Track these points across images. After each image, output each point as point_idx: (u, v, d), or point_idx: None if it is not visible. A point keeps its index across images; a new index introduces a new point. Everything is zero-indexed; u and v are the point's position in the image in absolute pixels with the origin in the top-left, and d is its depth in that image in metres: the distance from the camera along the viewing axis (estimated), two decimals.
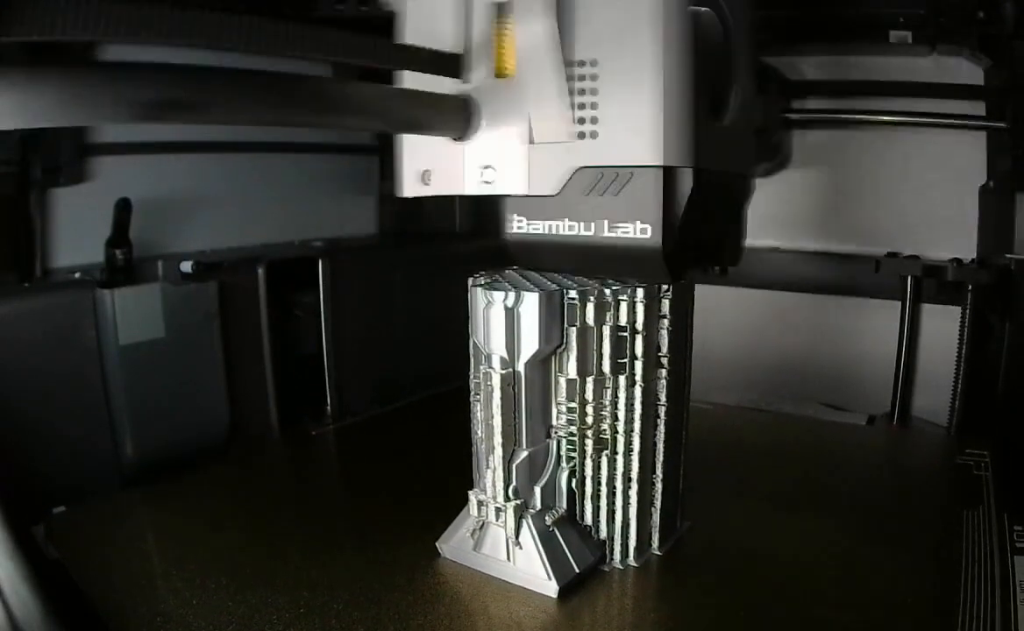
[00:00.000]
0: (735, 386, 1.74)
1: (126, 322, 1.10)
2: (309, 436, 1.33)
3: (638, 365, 0.78)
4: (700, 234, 0.79)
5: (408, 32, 0.81)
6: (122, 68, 0.57)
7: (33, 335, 1.04)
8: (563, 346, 0.77)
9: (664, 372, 0.81)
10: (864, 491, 1.05)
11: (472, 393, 0.83)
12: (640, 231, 0.73)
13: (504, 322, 0.75)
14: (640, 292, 0.77)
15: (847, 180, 1.69)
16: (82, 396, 1.08)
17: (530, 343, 0.75)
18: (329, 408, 1.39)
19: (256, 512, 0.99)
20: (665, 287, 0.79)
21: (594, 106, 0.73)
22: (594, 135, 0.73)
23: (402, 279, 1.52)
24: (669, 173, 0.72)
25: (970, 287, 1.50)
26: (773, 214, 1.78)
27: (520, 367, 0.76)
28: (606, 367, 0.78)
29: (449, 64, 0.77)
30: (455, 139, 0.78)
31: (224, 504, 1.02)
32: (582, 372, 0.78)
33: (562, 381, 0.78)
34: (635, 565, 0.83)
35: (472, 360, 0.82)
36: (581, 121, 0.73)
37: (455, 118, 0.76)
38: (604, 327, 0.77)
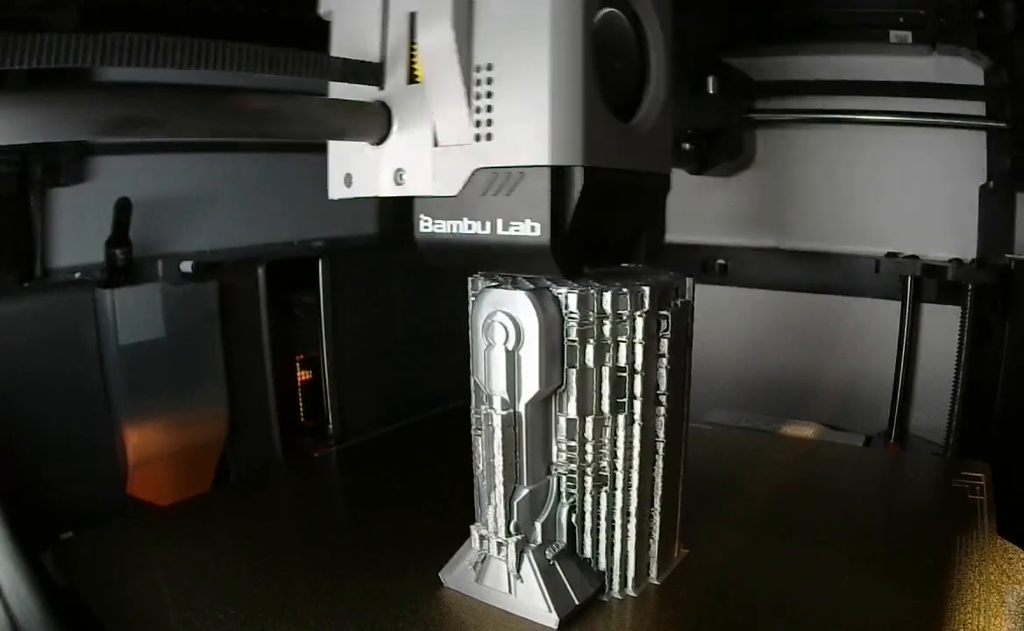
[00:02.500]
0: (734, 389, 1.74)
1: (126, 322, 1.10)
2: (312, 459, 1.33)
3: (637, 404, 0.79)
4: (602, 230, 0.83)
5: (335, 39, 0.84)
6: (81, 90, 0.61)
7: (33, 335, 1.04)
8: (563, 387, 0.78)
9: (663, 410, 0.82)
10: (860, 517, 1.05)
11: (474, 427, 0.83)
12: (530, 229, 0.73)
13: (505, 364, 0.76)
14: (640, 333, 0.77)
15: (847, 180, 1.69)
16: (82, 396, 1.08)
17: (531, 385, 0.76)
18: (331, 427, 1.39)
19: (262, 540, 0.99)
20: (665, 326, 0.79)
21: (490, 109, 0.74)
22: (489, 137, 0.74)
23: (403, 279, 1.52)
24: (558, 172, 0.72)
25: (970, 287, 1.50)
26: (772, 214, 1.78)
27: (521, 408, 0.77)
28: (605, 407, 0.78)
29: (369, 72, 0.79)
30: (372, 144, 0.81)
31: (231, 531, 1.02)
32: (582, 412, 0.78)
33: (562, 420, 0.79)
34: (633, 595, 0.83)
35: (473, 397, 0.83)
36: (478, 123, 0.74)
37: (370, 123, 0.79)
38: (604, 368, 0.77)
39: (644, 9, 0.81)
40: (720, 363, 1.73)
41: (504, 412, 0.76)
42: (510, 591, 0.79)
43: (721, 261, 1.82)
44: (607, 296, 0.76)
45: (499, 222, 0.75)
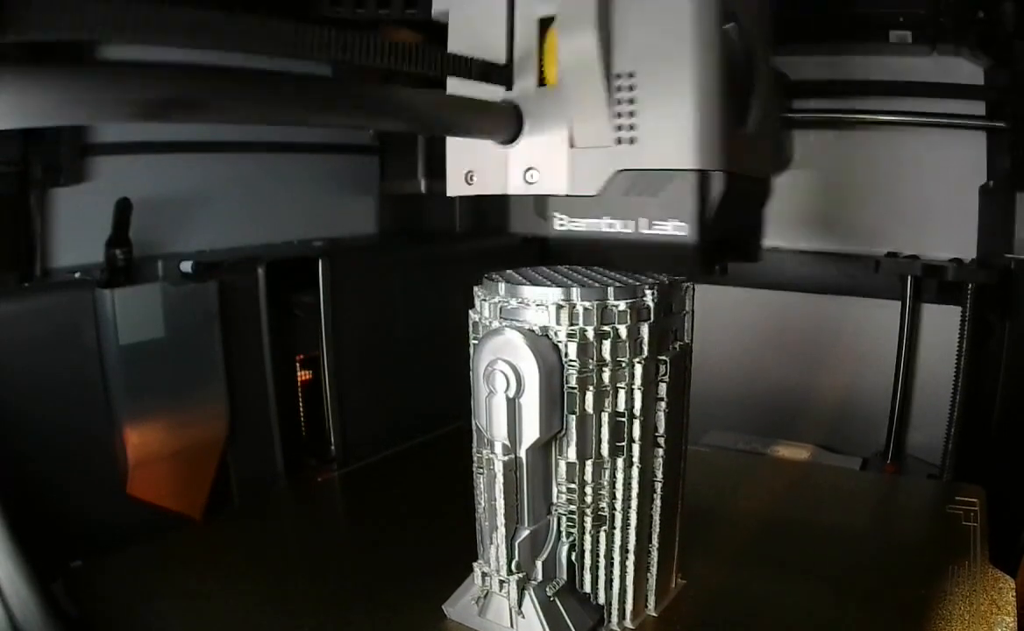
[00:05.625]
0: (734, 397, 1.74)
1: (126, 322, 1.09)
2: (315, 483, 1.33)
3: (635, 448, 0.79)
4: (728, 231, 0.85)
5: (452, 40, 0.88)
6: (123, 68, 0.57)
7: (33, 335, 1.04)
8: (563, 432, 0.78)
9: (661, 451, 0.82)
10: (855, 546, 1.06)
11: (475, 465, 0.84)
12: (676, 228, 0.78)
13: (506, 412, 0.77)
14: (638, 379, 0.78)
15: (847, 180, 1.69)
16: (82, 396, 1.08)
17: (531, 432, 0.76)
18: (333, 447, 1.39)
19: (268, 569, 0.99)
20: (663, 371, 0.80)
21: (632, 114, 0.78)
22: (632, 141, 0.78)
23: (403, 279, 1.52)
24: (703, 176, 0.78)
25: (970, 287, 1.50)
26: (773, 214, 1.77)
27: (522, 453, 0.78)
28: (604, 451, 0.79)
29: (499, 73, 0.83)
30: (500, 143, 0.84)
31: (237, 560, 1.01)
32: (581, 456, 0.79)
33: (562, 464, 0.79)
34: (631, 627, 0.84)
35: (475, 438, 0.84)
36: (619, 128, 0.79)
37: (502, 123, 0.83)
38: (603, 413, 0.78)
39: (751, 22, 0.85)
40: (719, 368, 1.72)
41: (506, 458, 0.77)
42: (512, 626, 0.80)
43: None
44: (606, 344, 0.76)
45: (643, 221, 0.80)
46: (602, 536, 0.81)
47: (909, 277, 1.59)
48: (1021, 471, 1.30)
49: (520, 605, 0.79)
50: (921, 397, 1.64)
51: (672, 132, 0.77)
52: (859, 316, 1.69)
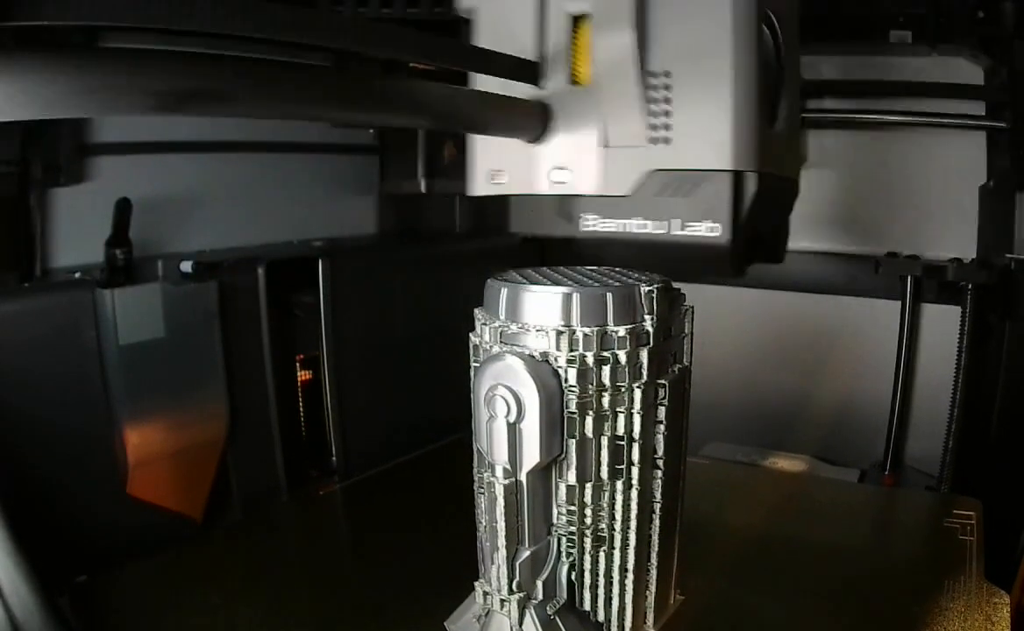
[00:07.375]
0: (734, 402, 1.73)
1: (126, 322, 1.10)
2: (317, 497, 1.34)
3: (635, 470, 0.80)
4: (758, 233, 0.86)
5: (481, 37, 0.87)
6: (146, 55, 0.50)
7: (33, 335, 1.04)
8: (563, 455, 0.78)
9: (660, 473, 0.83)
10: (852, 562, 1.06)
11: (476, 485, 0.85)
12: (710, 229, 0.79)
13: (506, 436, 0.77)
14: (638, 403, 0.78)
15: (847, 180, 1.69)
16: (82, 396, 1.08)
17: (531, 456, 0.77)
18: (335, 458, 1.40)
19: (271, 586, 0.99)
20: (662, 394, 0.80)
21: (667, 114, 0.79)
22: (667, 140, 0.79)
23: (404, 280, 1.52)
24: (738, 177, 0.78)
25: (970, 287, 1.50)
26: None
27: (522, 477, 0.78)
28: (604, 473, 0.79)
29: (528, 71, 0.83)
30: (528, 141, 0.84)
31: (240, 577, 1.02)
32: (581, 479, 0.79)
33: (562, 486, 0.80)
34: None
35: (476, 457, 0.84)
36: (654, 127, 0.79)
37: (531, 121, 0.82)
38: (603, 437, 0.78)
39: (783, 19, 0.85)
40: (717, 371, 1.71)
41: (506, 481, 0.77)
42: None
43: None
44: (606, 369, 0.76)
45: (676, 222, 0.81)
46: (601, 556, 0.82)
47: (909, 277, 1.59)
48: (1019, 478, 1.29)
49: (521, 623, 0.80)
50: (920, 403, 1.64)
51: (708, 132, 0.78)
52: (859, 316, 1.69)
